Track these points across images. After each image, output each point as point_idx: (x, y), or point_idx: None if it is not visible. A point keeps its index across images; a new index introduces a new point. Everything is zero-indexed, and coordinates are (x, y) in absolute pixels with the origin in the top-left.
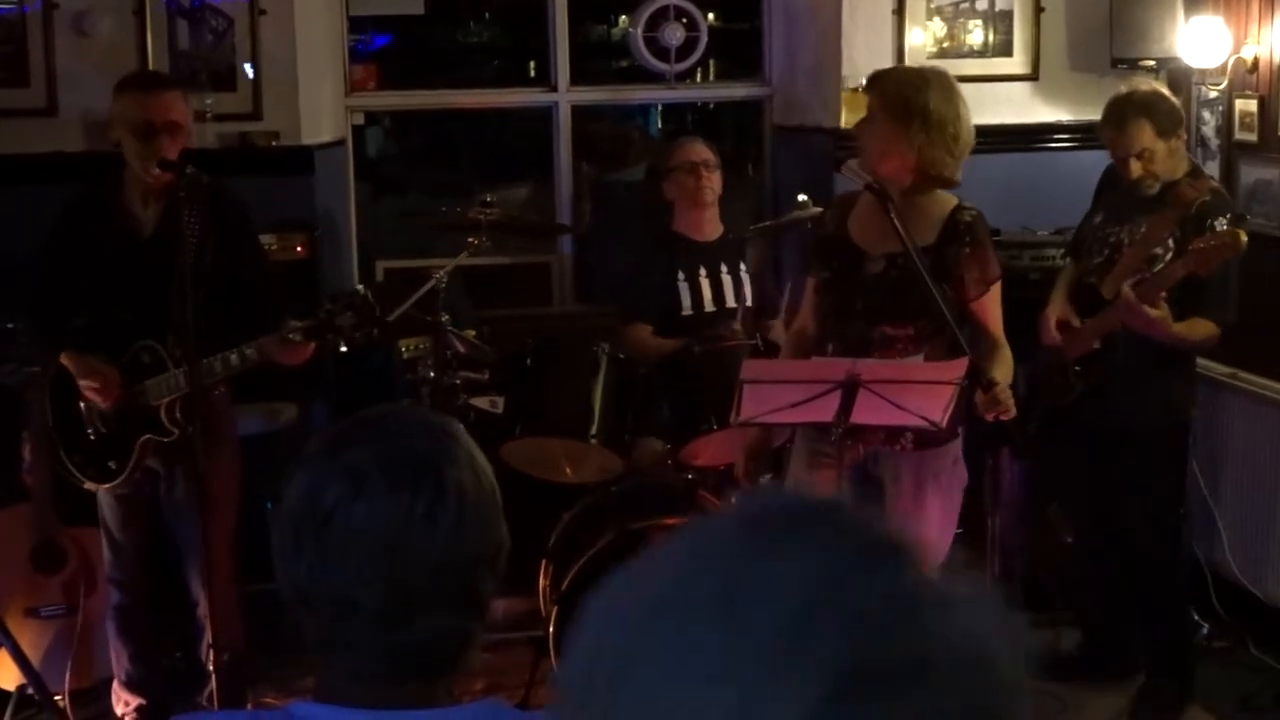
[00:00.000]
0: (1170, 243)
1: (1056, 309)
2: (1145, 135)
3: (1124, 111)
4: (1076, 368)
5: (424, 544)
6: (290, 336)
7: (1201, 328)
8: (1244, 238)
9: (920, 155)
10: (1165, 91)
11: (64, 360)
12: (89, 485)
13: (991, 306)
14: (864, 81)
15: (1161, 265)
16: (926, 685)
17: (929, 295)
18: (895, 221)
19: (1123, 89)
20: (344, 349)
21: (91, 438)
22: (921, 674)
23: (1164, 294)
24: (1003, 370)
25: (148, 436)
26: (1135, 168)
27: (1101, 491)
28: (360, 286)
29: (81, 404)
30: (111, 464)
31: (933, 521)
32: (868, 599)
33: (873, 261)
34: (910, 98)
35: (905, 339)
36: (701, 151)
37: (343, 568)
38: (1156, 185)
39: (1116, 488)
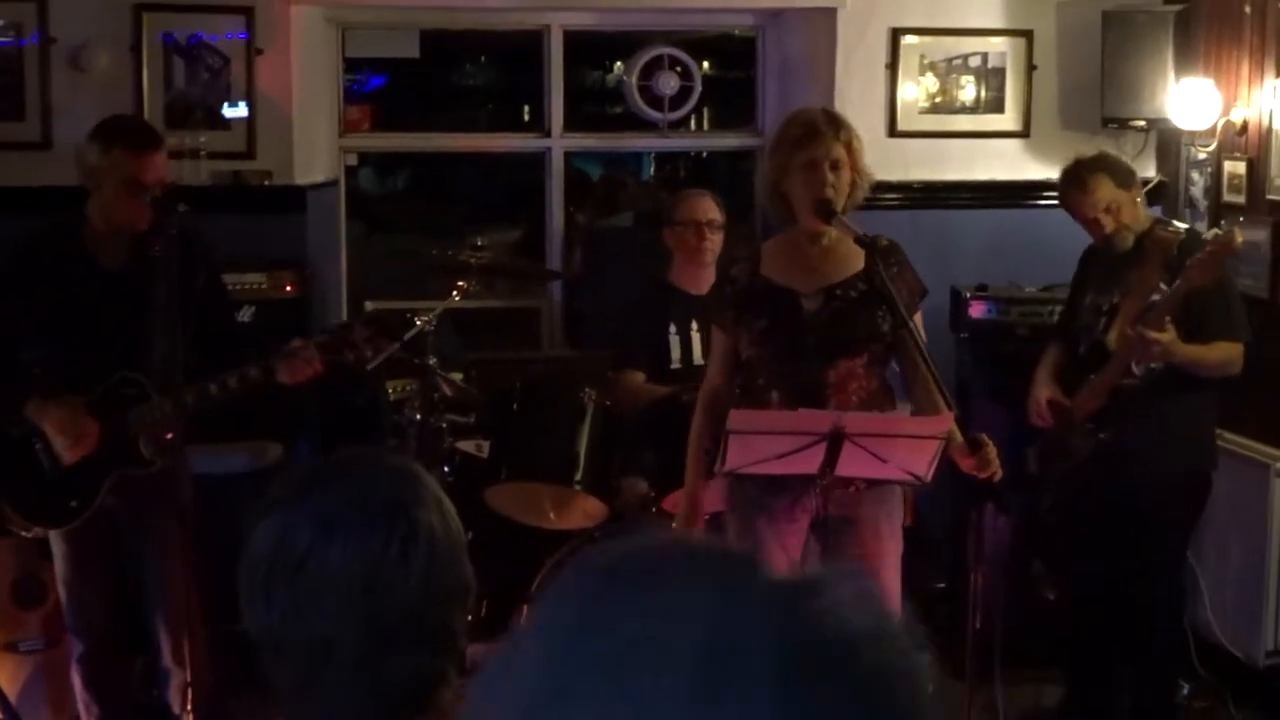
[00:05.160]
0: (1163, 286)
1: (1044, 389)
2: (1107, 188)
3: (1081, 172)
4: (1089, 425)
5: (398, 585)
6: (304, 353)
7: (1220, 348)
8: (1239, 238)
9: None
10: (1109, 150)
11: (31, 413)
12: (35, 532)
13: (920, 325)
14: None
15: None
16: (859, 655)
17: (875, 318)
18: (885, 277)
19: (1072, 160)
20: (352, 362)
21: (49, 477)
22: (846, 647)
23: (1169, 318)
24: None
25: (120, 471)
26: (1107, 222)
27: (1108, 549)
28: (369, 305)
29: (37, 444)
30: (73, 503)
31: (893, 560)
32: (761, 600)
33: (809, 299)
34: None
35: (860, 369)
36: (708, 210)
37: (318, 611)
38: (1130, 236)
39: (1124, 545)
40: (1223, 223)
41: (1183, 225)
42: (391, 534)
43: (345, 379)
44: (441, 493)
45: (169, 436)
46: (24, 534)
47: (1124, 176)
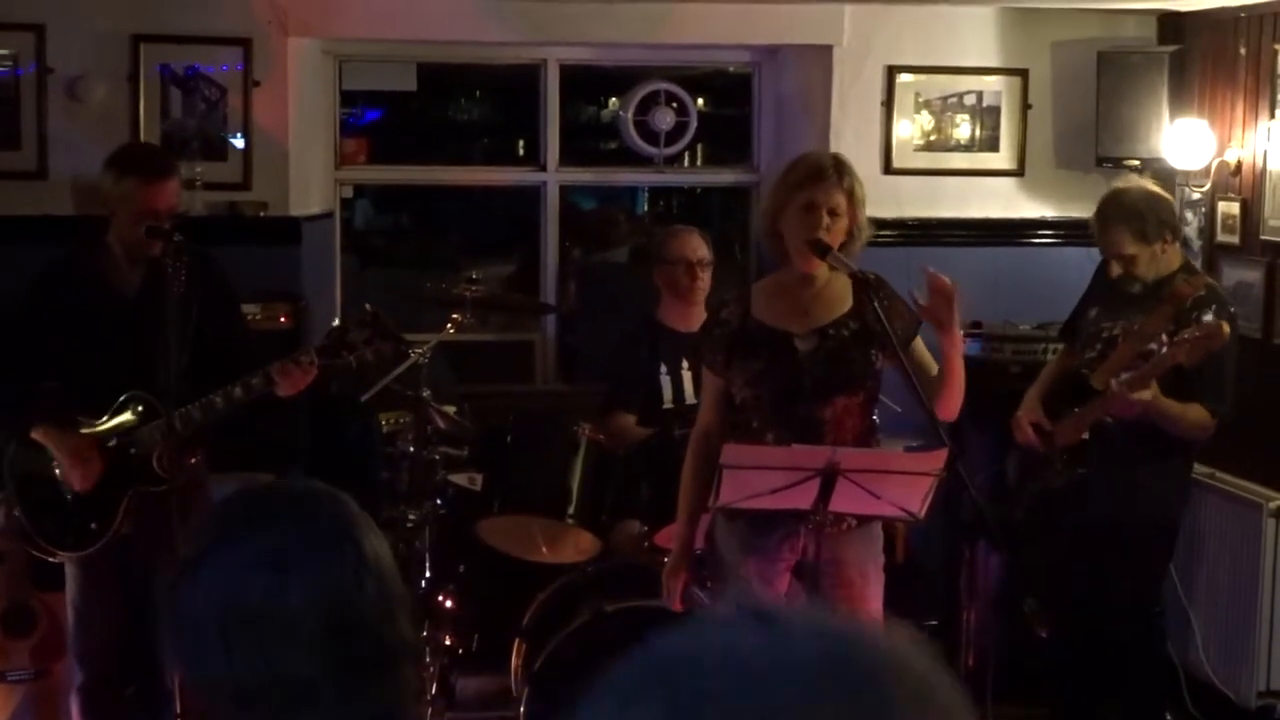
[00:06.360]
0: (1164, 338)
1: (1029, 411)
2: (1125, 241)
3: (1107, 213)
4: (1064, 457)
5: (359, 611)
6: (302, 359)
7: (1195, 413)
8: (1226, 330)
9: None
10: (1158, 193)
11: (39, 436)
12: (62, 556)
13: (922, 346)
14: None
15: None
16: None
17: (869, 355)
18: (879, 310)
19: (1119, 185)
20: (354, 365)
21: (69, 499)
22: None
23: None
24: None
25: (136, 489)
26: (1114, 268)
27: (1080, 584)
28: (368, 305)
29: (57, 468)
30: (94, 525)
31: (876, 600)
32: None
33: (803, 340)
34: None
35: (856, 406)
36: (698, 248)
37: (285, 653)
38: (1137, 285)
39: (1095, 582)
40: (1213, 308)
41: (1206, 279)
42: (344, 563)
43: (338, 409)
44: (360, 508)
45: (193, 460)
46: (49, 559)
47: (1151, 231)
